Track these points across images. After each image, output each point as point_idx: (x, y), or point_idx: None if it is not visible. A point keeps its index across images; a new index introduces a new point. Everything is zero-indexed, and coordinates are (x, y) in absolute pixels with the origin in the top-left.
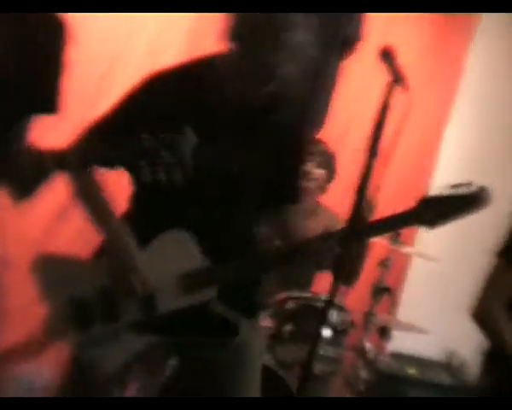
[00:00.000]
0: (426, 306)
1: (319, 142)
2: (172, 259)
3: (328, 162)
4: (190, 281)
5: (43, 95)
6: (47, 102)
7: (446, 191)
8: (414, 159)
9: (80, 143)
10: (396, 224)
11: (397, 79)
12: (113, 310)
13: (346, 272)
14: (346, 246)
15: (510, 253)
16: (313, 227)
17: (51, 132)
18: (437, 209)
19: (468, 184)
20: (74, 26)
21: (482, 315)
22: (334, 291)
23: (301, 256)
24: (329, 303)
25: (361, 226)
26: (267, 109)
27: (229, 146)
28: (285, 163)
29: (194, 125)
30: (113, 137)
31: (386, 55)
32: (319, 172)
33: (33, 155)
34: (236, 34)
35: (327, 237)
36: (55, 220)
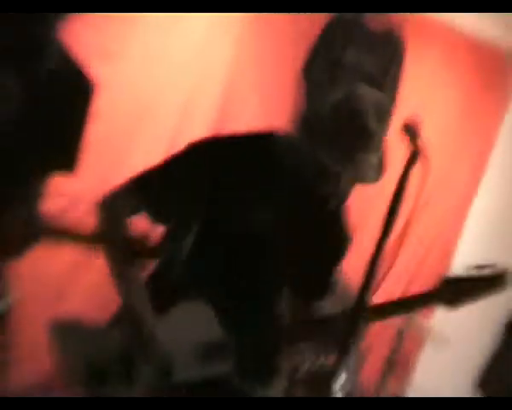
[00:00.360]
0: (439, 377)
1: None
2: (190, 329)
3: None
4: (209, 351)
5: (64, 151)
6: (67, 159)
7: (469, 272)
8: (437, 233)
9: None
10: (417, 303)
11: (417, 153)
12: (130, 376)
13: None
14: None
15: None
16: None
17: (73, 182)
18: (459, 290)
19: (492, 266)
20: (103, 78)
21: (489, 387)
22: (339, 361)
23: (318, 334)
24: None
25: (378, 306)
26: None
27: (274, 224)
28: (325, 258)
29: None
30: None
31: (410, 129)
32: None
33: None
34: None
35: (345, 315)
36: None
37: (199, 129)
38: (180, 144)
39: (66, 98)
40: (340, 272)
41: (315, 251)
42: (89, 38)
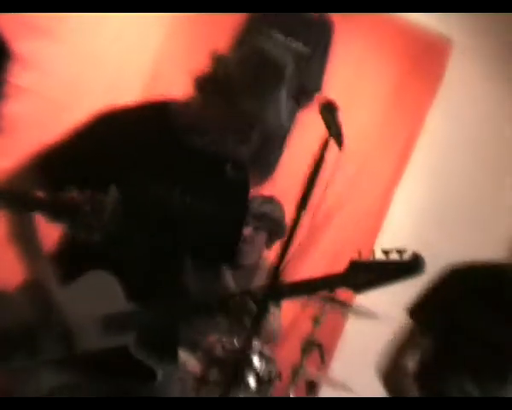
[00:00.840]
0: (360, 365)
1: (266, 201)
2: (95, 299)
3: (275, 224)
4: (110, 323)
5: None
6: None
7: (378, 257)
8: (360, 220)
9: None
10: (323, 285)
11: (333, 134)
12: (33, 345)
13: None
14: (265, 304)
15: (420, 314)
16: (257, 282)
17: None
18: (366, 275)
19: (402, 251)
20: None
21: (389, 378)
22: (248, 344)
23: (221, 311)
24: (243, 357)
25: (284, 286)
26: (228, 163)
27: (174, 192)
28: (229, 222)
29: (140, 166)
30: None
31: (326, 109)
32: (260, 240)
33: None
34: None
35: (247, 293)
36: None
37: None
38: None
39: None
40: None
41: (217, 218)
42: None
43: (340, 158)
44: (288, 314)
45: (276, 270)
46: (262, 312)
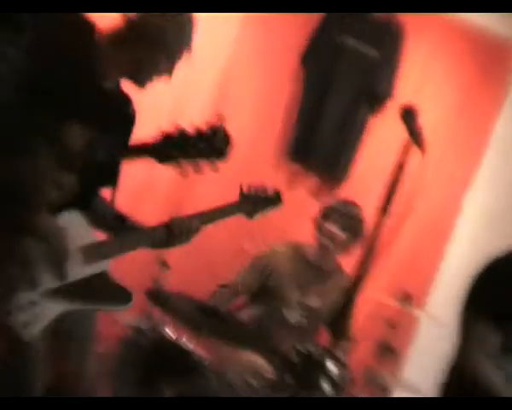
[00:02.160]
0: (432, 369)
1: (349, 203)
2: (73, 234)
3: (354, 226)
4: (89, 253)
5: None
6: None
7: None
8: (432, 222)
9: None
10: (222, 214)
11: (415, 139)
12: (32, 278)
13: None
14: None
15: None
16: (329, 288)
17: None
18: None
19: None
20: None
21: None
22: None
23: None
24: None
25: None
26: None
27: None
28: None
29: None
30: None
31: (406, 114)
32: (341, 235)
33: None
34: None
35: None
36: None
37: (199, 106)
38: None
39: None
40: None
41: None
42: None
43: (423, 163)
44: (360, 317)
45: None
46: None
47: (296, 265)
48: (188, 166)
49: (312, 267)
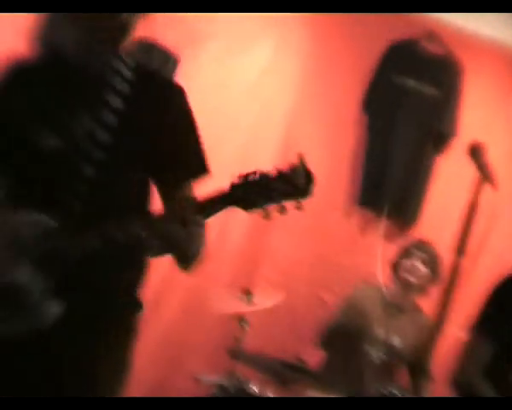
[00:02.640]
0: None
1: (425, 243)
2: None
3: (434, 263)
4: None
5: None
6: None
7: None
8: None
9: None
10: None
11: (485, 176)
12: None
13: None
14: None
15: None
16: (409, 328)
17: None
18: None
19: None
20: None
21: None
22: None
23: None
24: None
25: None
26: None
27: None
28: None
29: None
30: None
31: (475, 152)
32: (424, 270)
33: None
34: None
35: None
36: None
37: (265, 154)
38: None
39: None
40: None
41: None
42: None
43: (496, 199)
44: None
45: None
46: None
47: (378, 304)
48: (272, 209)
49: (393, 307)
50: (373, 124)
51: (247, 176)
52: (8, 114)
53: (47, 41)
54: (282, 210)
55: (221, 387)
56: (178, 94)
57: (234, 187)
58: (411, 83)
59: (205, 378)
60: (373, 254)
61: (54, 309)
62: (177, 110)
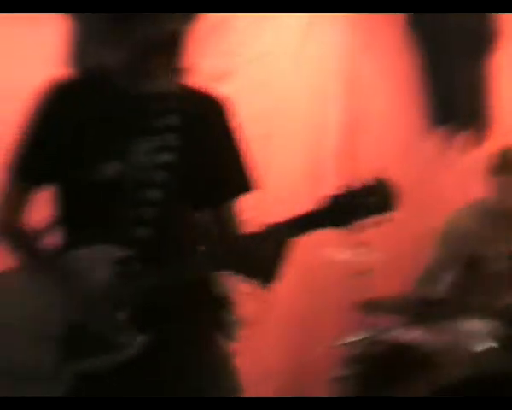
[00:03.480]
0: None
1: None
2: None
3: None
4: None
5: None
6: None
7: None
8: None
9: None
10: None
11: None
12: None
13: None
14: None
15: None
16: None
17: None
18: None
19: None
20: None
21: None
22: None
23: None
24: None
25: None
26: None
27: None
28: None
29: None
30: None
31: None
32: None
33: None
34: None
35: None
36: None
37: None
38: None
39: None
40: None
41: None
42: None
43: None
44: None
45: None
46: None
47: (485, 220)
48: (361, 225)
49: (500, 215)
50: (425, 40)
51: (335, 195)
52: (60, 142)
53: (90, 64)
54: (371, 225)
55: (364, 342)
56: (220, 109)
57: (323, 208)
58: None
59: (346, 341)
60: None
61: (140, 339)
62: (220, 127)
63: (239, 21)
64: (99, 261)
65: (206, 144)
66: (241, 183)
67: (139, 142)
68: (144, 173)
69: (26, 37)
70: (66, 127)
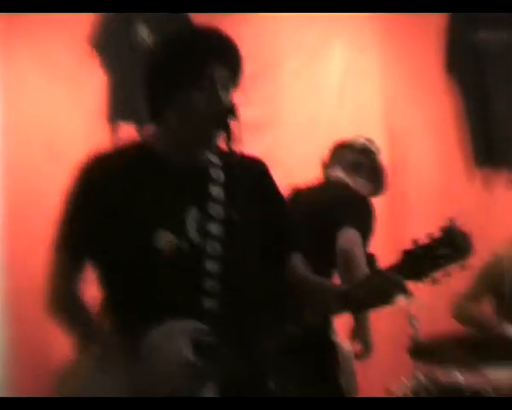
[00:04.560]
0: None
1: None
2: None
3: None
4: None
5: None
6: None
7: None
8: None
9: None
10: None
11: None
12: None
13: None
14: None
15: None
16: None
17: None
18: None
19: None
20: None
21: None
22: None
23: None
24: None
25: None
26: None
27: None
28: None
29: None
30: None
31: None
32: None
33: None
34: None
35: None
36: None
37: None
38: None
39: None
40: None
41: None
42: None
43: None
44: None
45: None
46: None
47: None
48: (439, 276)
49: None
50: (463, 84)
51: (412, 251)
52: (112, 218)
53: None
54: (448, 275)
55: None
56: (262, 169)
57: (401, 263)
58: (484, 34)
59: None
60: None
61: None
62: (266, 185)
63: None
64: (180, 336)
65: (256, 210)
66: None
67: (190, 212)
68: (200, 245)
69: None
70: (106, 204)
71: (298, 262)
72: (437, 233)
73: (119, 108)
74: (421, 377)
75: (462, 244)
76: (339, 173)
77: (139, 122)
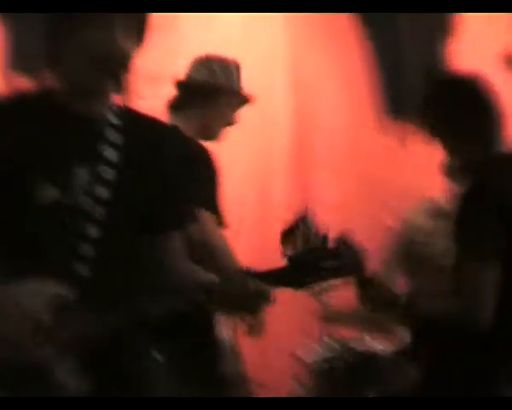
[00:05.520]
0: None
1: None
2: None
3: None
4: None
5: None
6: None
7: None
8: None
9: None
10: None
11: None
12: None
13: None
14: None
15: None
16: None
17: None
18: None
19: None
20: None
21: None
22: None
23: None
24: None
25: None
26: None
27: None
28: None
29: None
30: None
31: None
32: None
33: None
34: None
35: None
36: None
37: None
38: None
39: None
40: None
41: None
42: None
43: None
44: None
45: None
46: None
47: (437, 220)
48: (320, 288)
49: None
50: (374, 30)
51: (297, 256)
52: None
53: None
54: (334, 288)
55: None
56: (169, 136)
57: (286, 268)
58: None
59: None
60: (421, 166)
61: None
62: (168, 154)
63: (181, 21)
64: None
65: (151, 174)
66: (185, 214)
67: (79, 169)
68: (82, 206)
69: None
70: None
71: (178, 243)
72: (329, 243)
73: (17, 58)
74: (331, 342)
75: (352, 260)
76: None
77: (37, 69)
